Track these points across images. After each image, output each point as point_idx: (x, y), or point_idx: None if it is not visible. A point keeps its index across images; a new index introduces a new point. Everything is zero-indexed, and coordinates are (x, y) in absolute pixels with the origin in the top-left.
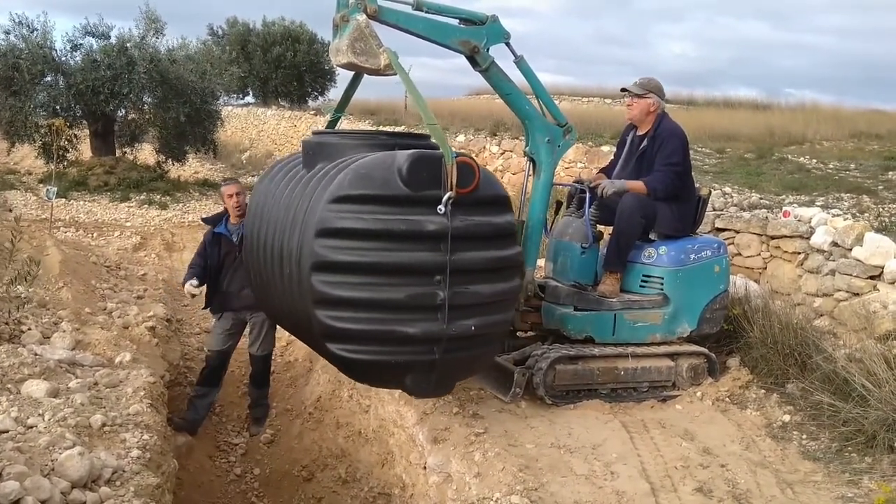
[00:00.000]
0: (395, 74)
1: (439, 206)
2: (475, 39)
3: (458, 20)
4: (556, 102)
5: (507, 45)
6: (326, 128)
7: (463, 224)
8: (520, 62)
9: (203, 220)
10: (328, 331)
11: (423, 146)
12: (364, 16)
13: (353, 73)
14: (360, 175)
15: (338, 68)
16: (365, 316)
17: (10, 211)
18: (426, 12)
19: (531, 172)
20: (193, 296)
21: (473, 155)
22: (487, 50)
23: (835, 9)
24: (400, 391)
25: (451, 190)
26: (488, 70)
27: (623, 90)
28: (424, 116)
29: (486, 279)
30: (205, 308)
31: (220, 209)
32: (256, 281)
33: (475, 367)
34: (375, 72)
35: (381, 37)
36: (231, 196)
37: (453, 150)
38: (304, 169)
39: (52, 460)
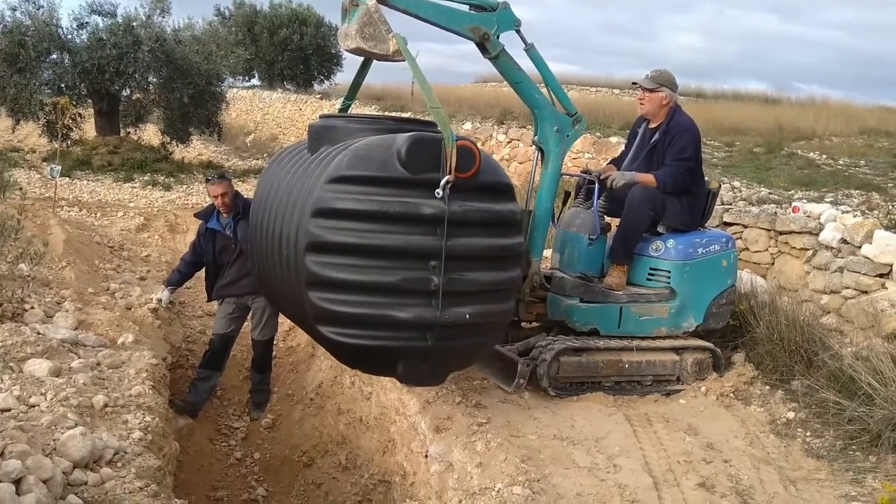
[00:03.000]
0: (404, 60)
1: (437, 190)
2: (485, 26)
3: (468, 6)
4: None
5: (518, 32)
6: None
7: (461, 209)
8: (530, 50)
9: (195, 215)
10: (320, 313)
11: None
12: (373, 0)
13: (362, 59)
14: (358, 156)
15: (346, 53)
16: (357, 299)
17: (21, 189)
18: None
19: (539, 162)
20: (155, 309)
21: (480, 143)
22: (498, 37)
23: (844, 3)
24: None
25: (450, 174)
26: (498, 58)
27: (634, 84)
28: (428, 100)
29: (484, 267)
30: (208, 301)
31: None
32: (259, 266)
33: (471, 357)
34: (384, 57)
35: (389, 22)
36: (217, 196)
37: (455, 134)
38: (309, 153)
39: (53, 440)
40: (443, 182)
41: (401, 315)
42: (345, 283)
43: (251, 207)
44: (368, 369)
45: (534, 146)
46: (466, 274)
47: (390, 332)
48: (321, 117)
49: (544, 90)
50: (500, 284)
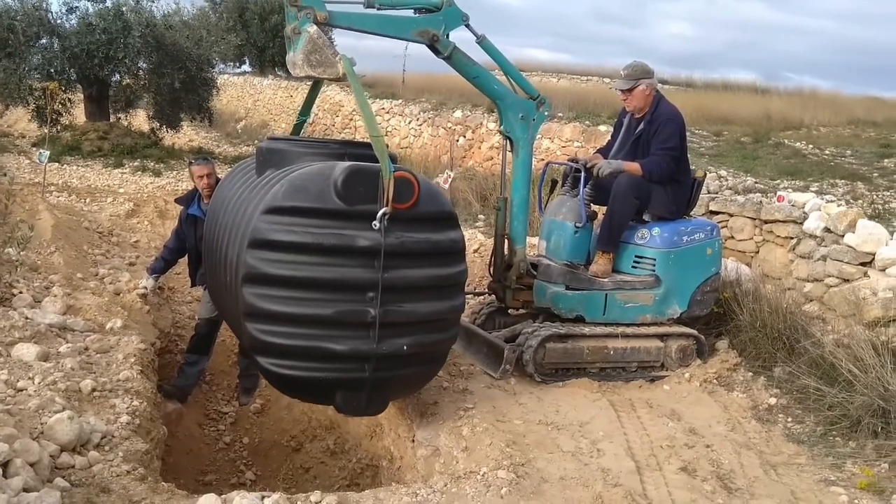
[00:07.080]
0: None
1: (374, 222)
2: (433, 28)
3: (412, 10)
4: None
5: (468, 26)
6: (292, 131)
7: (398, 241)
8: (482, 41)
9: (176, 200)
10: (257, 344)
11: (373, 156)
12: (315, 27)
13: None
14: (294, 187)
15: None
16: (293, 331)
17: (5, 175)
18: (378, 9)
19: (509, 150)
20: (143, 295)
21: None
22: (447, 36)
23: None
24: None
25: (388, 205)
26: (451, 56)
27: (611, 88)
28: (369, 128)
29: (423, 297)
30: (192, 287)
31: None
32: (210, 284)
33: (412, 385)
34: (336, 80)
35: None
36: (201, 177)
37: (393, 164)
38: (256, 175)
39: (41, 423)
40: (379, 214)
41: (337, 347)
42: (281, 315)
43: (205, 224)
44: (307, 399)
45: (502, 136)
46: (404, 305)
47: (327, 364)
48: (268, 139)
49: (503, 78)
50: (440, 314)
